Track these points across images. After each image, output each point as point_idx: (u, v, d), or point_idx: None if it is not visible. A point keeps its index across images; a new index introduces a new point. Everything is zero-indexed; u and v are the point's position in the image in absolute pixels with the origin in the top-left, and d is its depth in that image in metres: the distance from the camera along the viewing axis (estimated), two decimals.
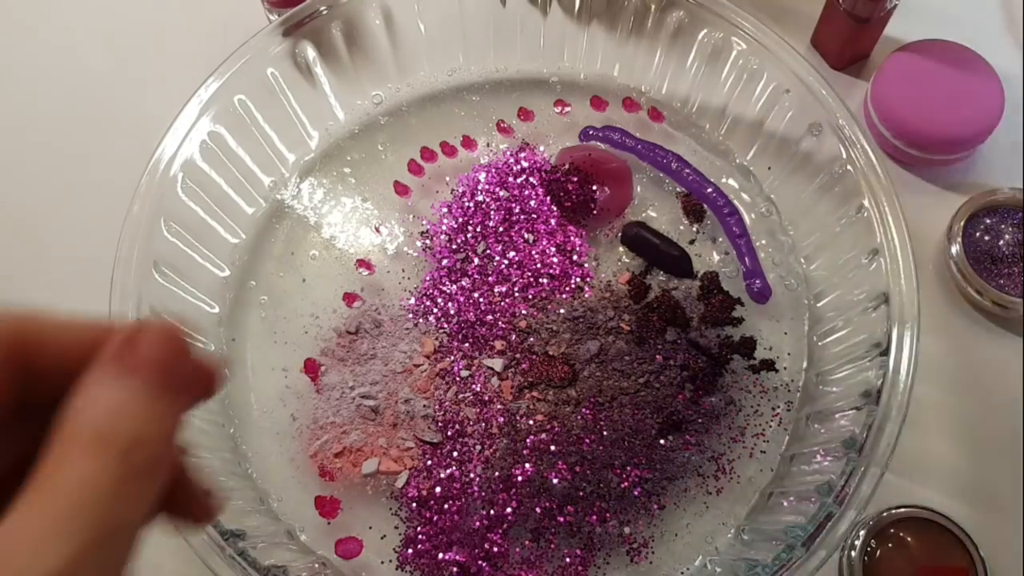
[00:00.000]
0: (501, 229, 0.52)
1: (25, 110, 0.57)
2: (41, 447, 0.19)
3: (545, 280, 0.51)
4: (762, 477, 0.48)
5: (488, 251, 0.52)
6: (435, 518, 0.46)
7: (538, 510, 0.46)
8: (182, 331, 0.21)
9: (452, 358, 0.49)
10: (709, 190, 0.53)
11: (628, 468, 0.47)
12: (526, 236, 0.52)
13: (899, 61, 0.54)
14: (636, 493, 0.47)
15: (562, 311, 0.50)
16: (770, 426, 0.49)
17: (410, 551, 0.46)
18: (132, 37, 0.59)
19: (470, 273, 0.51)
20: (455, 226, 0.52)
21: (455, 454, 0.47)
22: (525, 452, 0.47)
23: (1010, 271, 0.51)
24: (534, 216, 0.52)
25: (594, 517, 0.46)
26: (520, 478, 0.46)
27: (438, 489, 0.46)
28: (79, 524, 0.18)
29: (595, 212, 0.52)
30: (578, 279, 0.51)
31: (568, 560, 0.46)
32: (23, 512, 0.18)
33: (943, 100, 0.53)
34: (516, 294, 0.51)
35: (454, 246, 0.52)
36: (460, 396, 0.48)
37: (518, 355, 0.49)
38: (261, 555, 0.42)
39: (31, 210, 0.55)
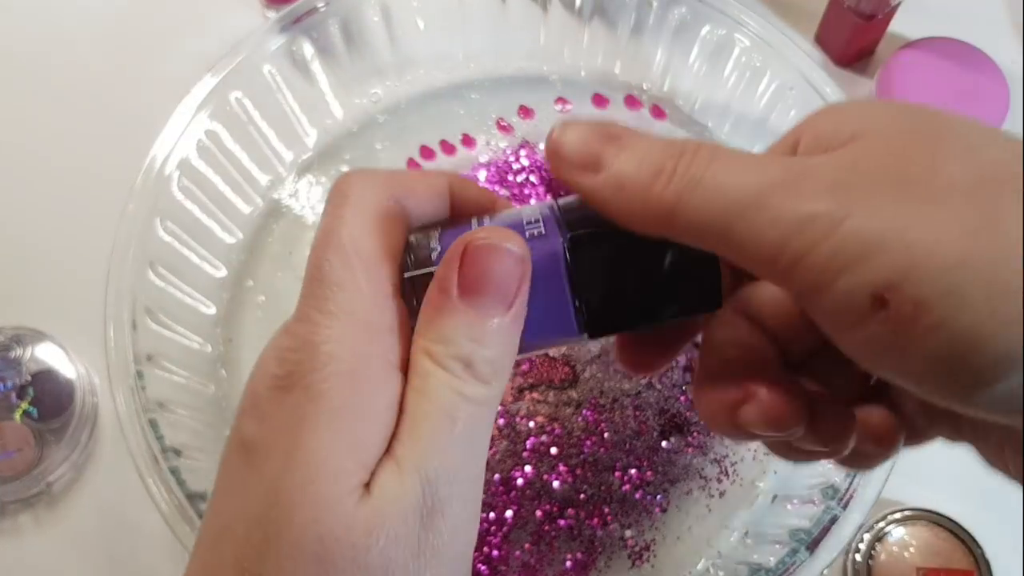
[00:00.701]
0: None
1: (18, 108, 0.57)
2: None
3: None
4: (765, 479, 0.47)
5: None
6: None
7: (538, 513, 0.46)
8: (501, 243, 0.23)
9: None
10: None
11: (630, 470, 0.46)
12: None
13: (904, 58, 0.54)
14: (638, 496, 0.46)
15: None
16: None
17: None
18: (127, 34, 0.59)
19: None
20: None
21: None
22: (525, 454, 0.46)
23: None
24: None
25: (595, 520, 0.46)
26: (520, 481, 0.46)
27: None
28: (451, 424, 0.22)
29: None
30: None
31: (569, 564, 0.45)
32: (415, 407, 0.22)
33: (948, 98, 0.53)
34: None
35: None
36: None
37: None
38: None
39: (25, 209, 0.54)
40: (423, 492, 0.21)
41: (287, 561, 0.21)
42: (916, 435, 0.27)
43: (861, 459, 0.26)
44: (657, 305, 0.25)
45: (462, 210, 0.27)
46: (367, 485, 0.21)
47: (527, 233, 0.25)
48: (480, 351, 0.23)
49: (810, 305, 0.21)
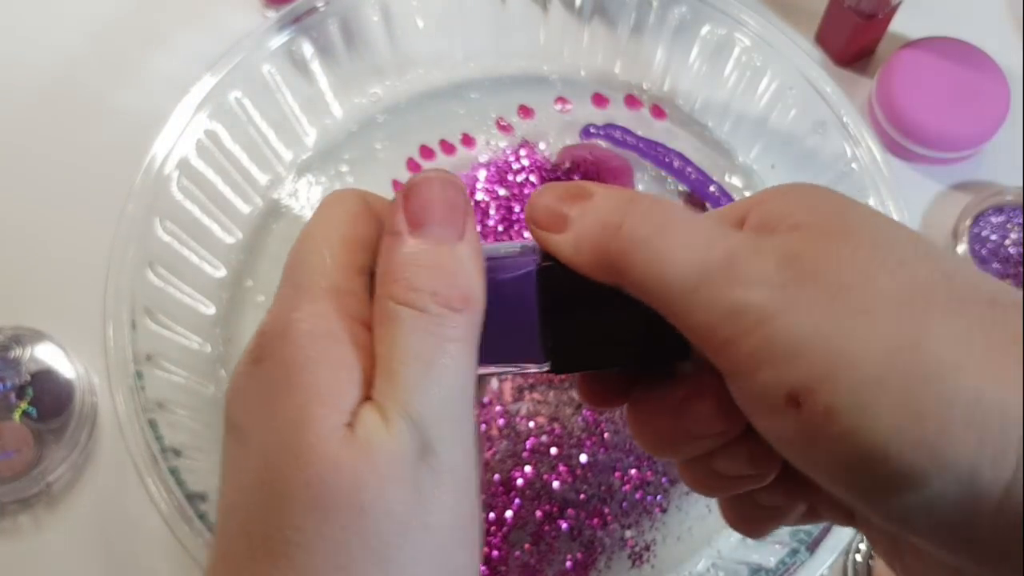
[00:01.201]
0: (501, 228, 0.51)
1: (17, 107, 0.57)
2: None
3: None
4: None
5: None
6: None
7: (538, 514, 0.45)
8: (438, 175, 0.24)
9: None
10: (712, 188, 0.53)
11: (630, 471, 0.46)
12: (526, 235, 0.51)
13: (904, 58, 0.54)
14: (638, 496, 0.46)
15: None
16: None
17: None
18: (126, 34, 0.58)
19: None
20: None
21: None
22: (525, 455, 0.46)
23: (1016, 271, 0.50)
24: None
25: (595, 520, 0.46)
26: (520, 481, 0.46)
27: None
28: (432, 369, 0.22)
29: None
30: None
31: (569, 564, 0.45)
32: (387, 352, 0.22)
33: (949, 98, 0.53)
34: None
35: None
36: None
37: None
38: None
39: (24, 209, 0.54)
40: (410, 433, 0.21)
41: (287, 517, 0.21)
42: (814, 514, 0.27)
43: (759, 512, 0.27)
44: (624, 350, 0.25)
45: None
46: (350, 426, 0.21)
47: (503, 251, 0.25)
48: (443, 277, 0.23)
49: (731, 386, 0.22)
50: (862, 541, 0.45)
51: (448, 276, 0.23)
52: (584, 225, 0.23)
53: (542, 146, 0.54)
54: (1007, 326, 0.19)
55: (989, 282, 0.21)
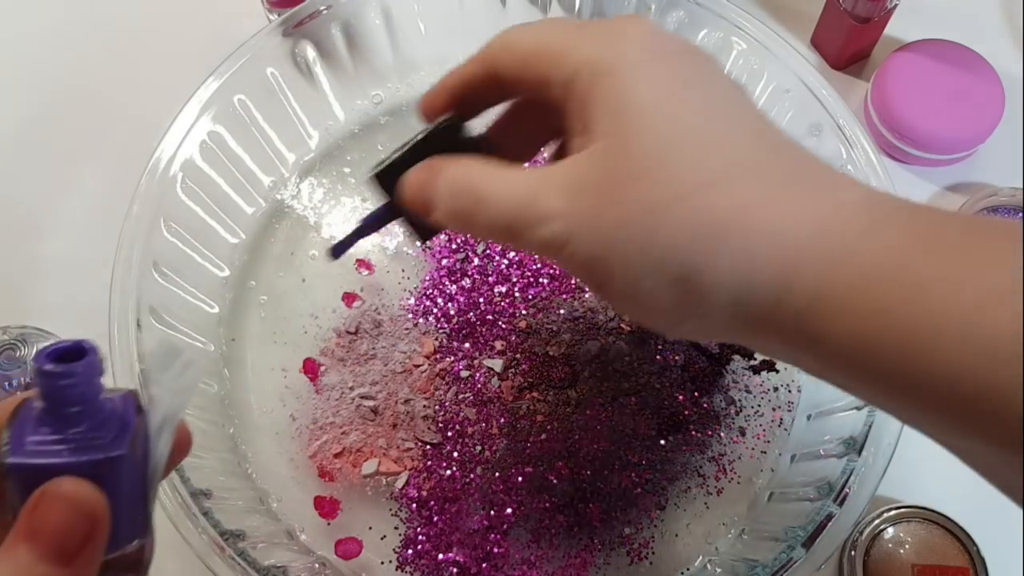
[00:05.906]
0: None
1: (24, 110, 0.57)
2: None
3: (545, 280, 0.51)
4: (762, 477, 0.48)
5: (488, 251, 0.51)
6: (435, 519, 0.46)
7: (538, 511, 0.46)
8: (87, 499, 0.22)
9: (452, 358, 0.49)
10: None
11: (628, 469, 0.47)
12: None
13: (899, 61, 0.54)
14: (637, 493, 0.46)
15: (562, 311, 0.50)
16: (770, 426, 0.49)
17: (410, 552, 0.46)
18: (132, 37, 0.59)
19: (470, 273, 0.51)
20: None
21: (455, 455, 0.47)
22: (526, 453, 0.47)
23: None
24: None
25: (595, 518, 0.46)
26: (520, 479, 0.46)
27: (438, 490, 0.46)
28: None
29: None
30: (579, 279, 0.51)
31: (568, 560, 0.46)
32: None
33: (944, 100, 0.53)
34: (516, 294, 0.51)
35: (454, 246, 0.52)
36: (460, 396, 0.48)
37: (518, 355, 0.49)
38: (261, 555, 0.42)
39: (31, 210, 0.55)
40: None
41: None
42: None
43: None
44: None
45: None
46: None
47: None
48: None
49: None
50: (857, 538, 0.45)
51: None
52: (442, 209, 0.30)
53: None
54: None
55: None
